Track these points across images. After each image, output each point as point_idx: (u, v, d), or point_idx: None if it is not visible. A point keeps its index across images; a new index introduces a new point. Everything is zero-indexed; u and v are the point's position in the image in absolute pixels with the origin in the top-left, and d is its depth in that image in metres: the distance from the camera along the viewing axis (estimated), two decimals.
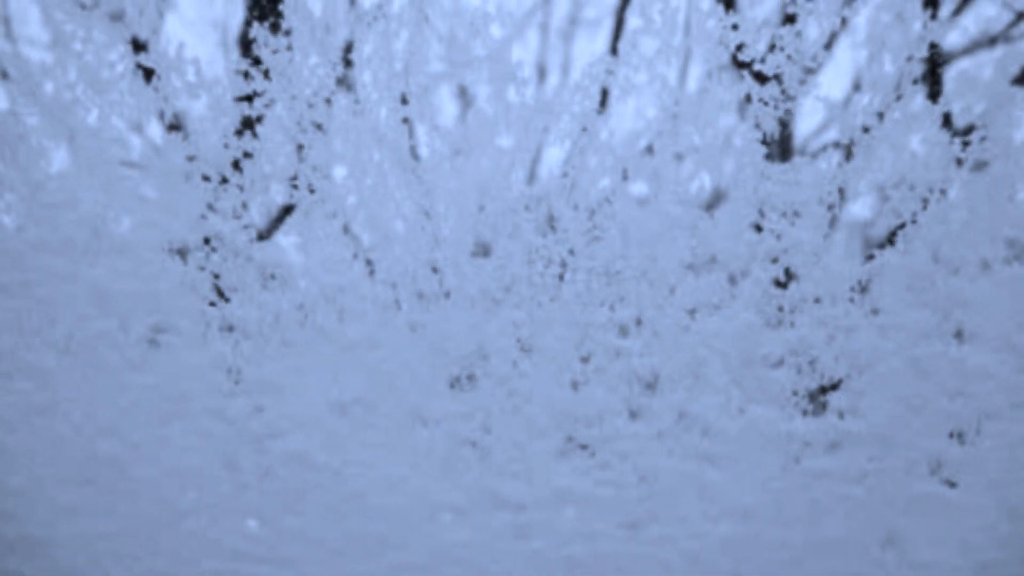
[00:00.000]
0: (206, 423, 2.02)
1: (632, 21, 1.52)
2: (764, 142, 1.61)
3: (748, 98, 1.54)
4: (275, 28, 1.55)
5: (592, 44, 2.12)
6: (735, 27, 1.44)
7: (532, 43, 2.22)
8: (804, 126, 2.05)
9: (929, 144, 1.67)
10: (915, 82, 1.58)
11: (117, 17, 1.54)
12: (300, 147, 1.67)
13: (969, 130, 1.66)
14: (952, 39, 1.78)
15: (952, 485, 1.95)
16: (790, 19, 1.44)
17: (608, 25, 2.00)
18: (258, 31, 1.56)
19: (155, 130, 1.71)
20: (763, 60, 1.46)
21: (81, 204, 1.83)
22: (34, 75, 1.68)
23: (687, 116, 1.58)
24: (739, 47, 1.47)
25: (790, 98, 1.55)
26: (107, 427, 2.06)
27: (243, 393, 1.97)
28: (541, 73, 2.29)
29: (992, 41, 2.13)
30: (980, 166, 1.73)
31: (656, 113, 1.61)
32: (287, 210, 1.87)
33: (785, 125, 1.66)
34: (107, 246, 1.86)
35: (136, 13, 1.51)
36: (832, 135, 1.73)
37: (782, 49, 1.44)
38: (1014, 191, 1.74)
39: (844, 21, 1.59)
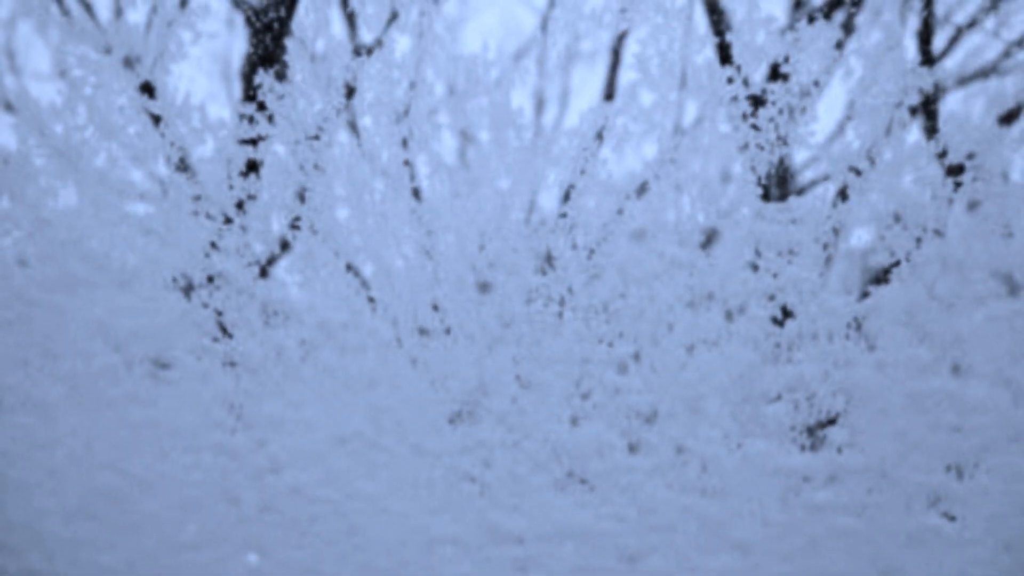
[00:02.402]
0: (207, 457, 2.07)
1: (628, 58, 1.59)
2: (760, 183, 1.68)
3: (746, 145, 1.61)
4: (280, 76, 1.62)
5: (590, 74, 2.19)
6: (730, 80, 1.51)
7: (531, 71, 2.30)
8: (802, 155, 2.12)
9: (922, 184, 1.74)
10: (903, 125, 1.65)
11: (130, 64, 1.61)
12: (303, 189, 1.74)
13: (960, 169, 1.73)
14: (946, 70, 1.84)
15: (951, 518, 2.00)
16: (783, 76, 1.51)
17: (605, 58, 2.07)
18: (263, 77, 1.63)
19: (161, 169, 1.78)
20: (755, 114, 1.53)
21: (86, 241, 1.90)
22: (43, 116, 1.75)
23: (684, 158, 1.65)
24: (733, 99, 1.54)
25: (784, 143, 1.62)
26: (109, 461, 2.11)
27: (244, 428, 2.03)
28: (539, 104, 2.37)
29: (985, 73, 2.20)
30: (974, 204, 1.80)
31: (654, 154, 1.68)
32: (285, 244, 1.93)
33: (782, 162, 1.73)
34: (111, 283, 1.93)
35: (147, 60, 1.59)
36: (828, 168, 1.79)
37: (774, 103, 1.52)
38: (1008, 228, 1.81)
39: (837, 58, 1.66)
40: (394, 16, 1.70)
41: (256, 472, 2.09)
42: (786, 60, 1.50)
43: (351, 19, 1.71)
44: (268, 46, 1.76)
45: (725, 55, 1.52)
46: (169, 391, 2.03)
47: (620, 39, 1.67)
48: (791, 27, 1.51)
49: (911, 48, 1.89)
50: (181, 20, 1.58)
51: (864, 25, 1.73)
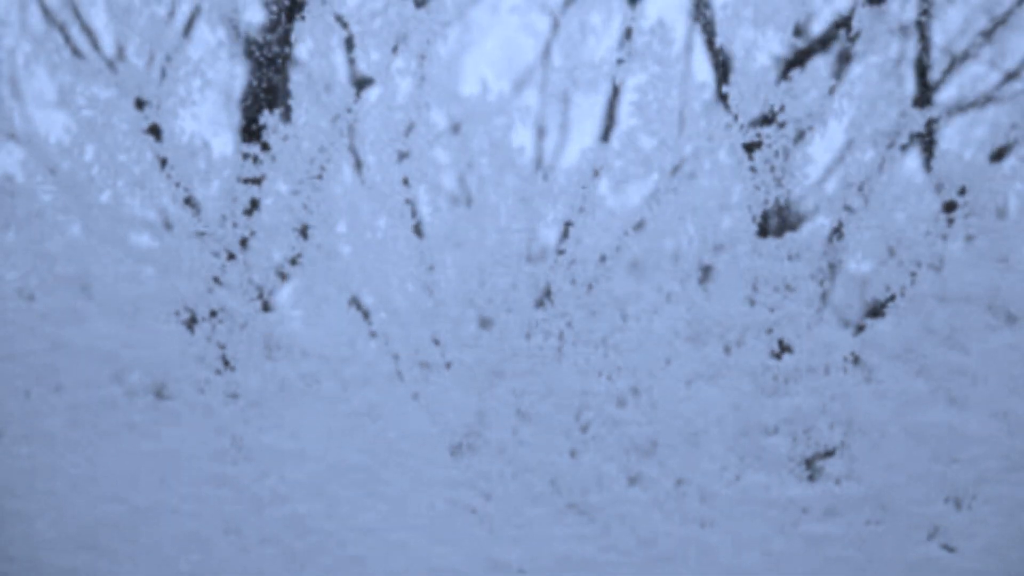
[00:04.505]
0: (208, 488, 2.13)
1: (627, 102, 1.66)
2: (755, 220, 1.76)
3: (743, 183, 1.69)
4: (284, 117, 1.70)
5: (591, 101, 2.24)
6: (728, 126, 1.59)
7: (532, 99, 2.35)
8: (797, 191, 2.19)
9: (916, 220, 1.81)
10: (894, 161, 1.72)
11: (140, 105, 1.68)
12: (305, 227, 1.81)
13: (953, 206, 1.80)
14: (942, 101, 1.91)
15: (950, 550, 2.05)
16: (779, 124, 1.59)
17: (606, 85, 2.13)
18: (268, 118, 1.71)
19: (167, 205, 1.85)
20: (751, 157, 1.61)
21: (91, 274, 1.97)
22: (51, 152, 1.82)
23: (681, 197, 1.73)
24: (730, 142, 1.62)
25: (780, 183, 1.70)
26: (110, 491, 2.17)
27: (245, 459, 2.09)
28: (540, 133, 2.43)
29: (980, 104, 2.26)
30: (970, 238, 1.87)
31: (652, 191, 1.75)
32: (286, 278, 2.00)
33: (777, 200, 1.81)
34: (115, 315, 1.99)
35: (156, 103, 1.66)
36: (823, 205, 1.86)
37: (770, 146, 1.59)
38: (1005, 262, 1.87)
39: (834, 87, 1.73)
40: (395, 49, 1.78)
41: (257, 503, 2.14)
42: (782, 109, 1.58)
43: (353, 63, 1.79)
44: (271, 78, 1.83)
45: (724, 98, 1.59)
46: (171, 422, 2.09)
47: (617, 90, 1.74)
48: (786, 76, 1.59)
49: (908, 77, 1.96)
50: (190, 67, 1.66)
51: (861, 54, 1.80)
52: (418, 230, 1.84)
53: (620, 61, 1.57)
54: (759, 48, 1.58)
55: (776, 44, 1.61)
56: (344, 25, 1.72)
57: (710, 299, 1.86)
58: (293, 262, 1.87)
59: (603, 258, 1.83)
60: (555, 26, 1.94)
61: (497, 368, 1.93)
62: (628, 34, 1.59)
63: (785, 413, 1.95)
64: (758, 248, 1.81)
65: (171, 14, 1.79)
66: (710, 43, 1.66)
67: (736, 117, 1.63)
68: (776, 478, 2.00)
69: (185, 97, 1.69)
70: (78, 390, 2.09)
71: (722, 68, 1.65)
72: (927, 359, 1.91)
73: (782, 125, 1.62)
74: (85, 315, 2.01)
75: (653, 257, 1.83)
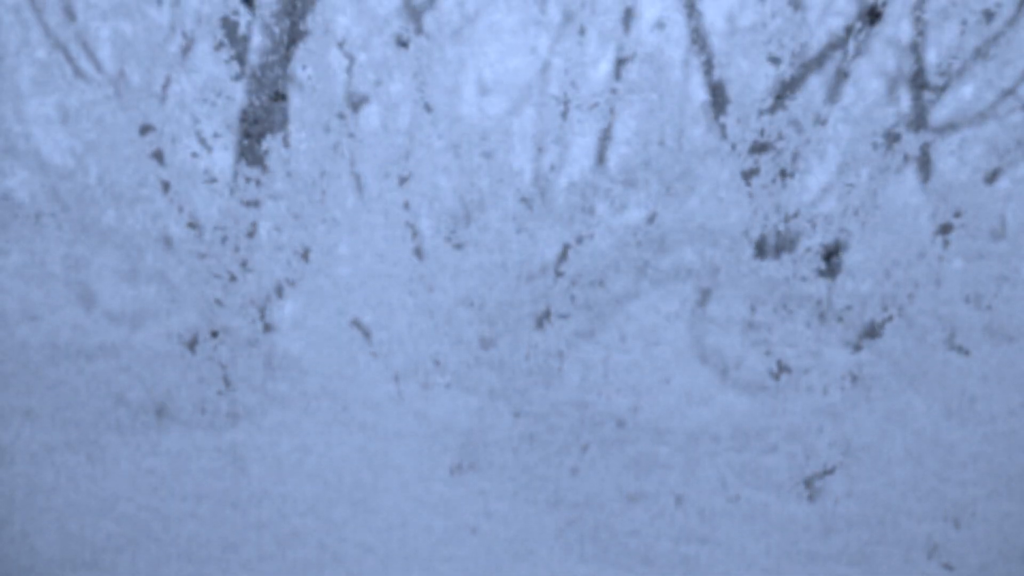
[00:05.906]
0: (209, 505, 2.16)
1: (624, 130, 1.70)
2: (753, 242, 1.79)
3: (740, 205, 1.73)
4: (286, 140, 1.74)
5: (588, 123, 2.27)
6: (724, 152, 1.63)
7: (530, 116, 2.38)
8: (794, 211, 2.22)
9: (913, 240, 1.85)
10: (887, 185, 1.76)
11: (146, 129, 1.72)
12: (307, 250, 1.85)
13: (949, 227, 1.83)
14: (938, 119, 1.95)
15: (950, 568, 2.08)
16: (764, 147, 1.63)
17: (602, 112, 2.17)
18: (270, 142, 1.75)
19: (169, 226, 1.88)
20: (748, 183, 1.65)
21: (93, 294, 2.00)
22: (55, 173, 1.86)
23: (679, 218, 1.76)
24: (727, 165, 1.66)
25: (777, 209, 1.74)
26: (110, 508, 2.20)
27: (246, 476, 2.12)
28: (539, 148, 2.45)
29: (975, 122, 2.29)
30: (967, 258, 1.90)
31: (651, 212, 1.79)
32: (288, 297, 2.03)
33: (775, 226, 1.84)
34: (116, 335, 2.03)
35: (160, 127, 1.70)
36: (821, 225, 1.90)
37: (767, 172, 1.63)
38: (1003, 281, 1.90)
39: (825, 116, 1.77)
40: (394, 71, 1.81)
41: (257, 520, 2.17)
42: (779, 136, 1.62)
43: (352, 86, 1.82)
44: (271, 95, 1.87)
45: (723, 127, 1.63)
46: (172, 440, 2.12)
47: (613, 114, 1.78)
48: (782, 101, 1.62)
49: (903, 97, 1.99)
50: (194, 92, 1.69)
51: (856, 75, 1.84)
52: (418, 251, 1.88)
53: (614, 91, 1.61)
54: (755, 76, 1.62)
55: (772, 70, 1.65)
56: (344, 51, 1.75)
57: (709, 319, 1.89)
58: (293, 283, 1.90)
59: (602, 279, 1.87)
60: (552, 48, 1.98)
61: (497, 387, 1.97)
62: (623, 62, 1.63)
63: (784, 432, 1.98)
64: (756, 269, 1.84)
65: (167, 39, 1.83)
66: (707, 71, 1.70)
67: (734, 146, 1.66)
68: (775, 496, 2.03)
69: (189, 125, 1.72)
70: (79, 408, 2.11)
71: (720, 94, 1.69)
72: (925, 377, 1.94)
73: (779, 152, 1.66)
74: (87, 334, 2.04)
75: (652, 277, 1.87)
